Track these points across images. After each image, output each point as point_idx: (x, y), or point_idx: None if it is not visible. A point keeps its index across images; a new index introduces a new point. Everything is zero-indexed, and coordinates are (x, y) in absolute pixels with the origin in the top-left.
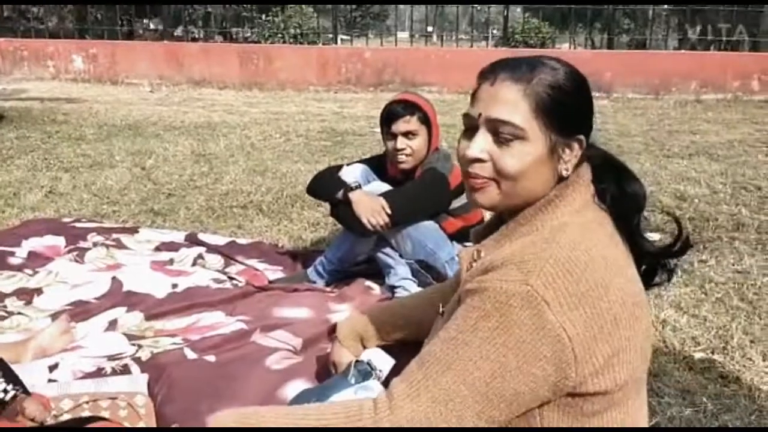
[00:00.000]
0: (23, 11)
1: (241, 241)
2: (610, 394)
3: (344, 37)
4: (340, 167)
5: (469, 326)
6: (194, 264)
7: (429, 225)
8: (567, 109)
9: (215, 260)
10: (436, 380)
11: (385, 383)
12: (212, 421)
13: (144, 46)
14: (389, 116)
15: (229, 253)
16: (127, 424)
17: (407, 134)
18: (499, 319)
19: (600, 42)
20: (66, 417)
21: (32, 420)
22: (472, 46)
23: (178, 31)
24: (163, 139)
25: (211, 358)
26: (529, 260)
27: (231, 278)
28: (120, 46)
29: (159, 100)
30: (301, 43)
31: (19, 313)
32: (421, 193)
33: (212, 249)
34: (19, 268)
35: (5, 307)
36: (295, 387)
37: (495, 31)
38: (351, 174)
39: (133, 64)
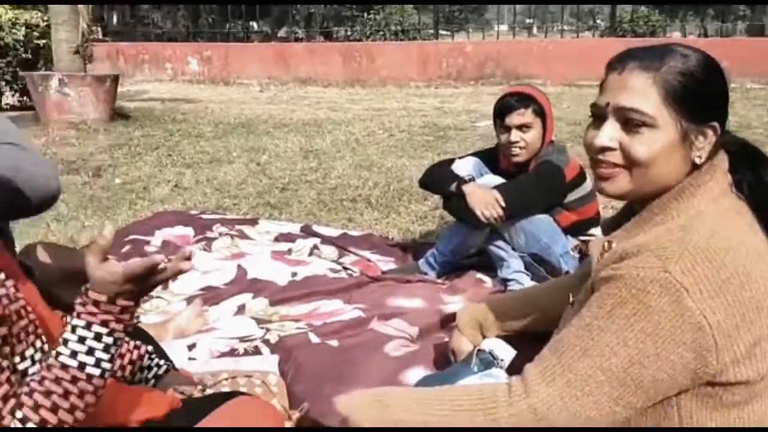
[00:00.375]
0: (141, 17)
1: (353, 233)
2: (751, 385)
3: (443, 32)
4: (452, 161)
5: (605, 313)
6: (311, 254)
7: (543, 218)
8: (699, 96)
9: (330, 251)
10: (571, 366)
11: (508, 373)
12: (348, 401)
13: (254, 47)
14: (503, 109)
15: (342, 244)
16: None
17: (521, 127)
18: (636, 306)
19: (714, 30)
20: (209, 392)
21: (181, 393)
22: (578, 36)
23: (282, 32)
24: (273, 136)
25: (334, 343)
26: (667, 247)
27: (346, 268)
28: (232, 48)
29: (268, 99)
30: (401, 40)
31: (158, 297)
32: (535, 185)
33: (326, 240)
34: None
35: None
36: (414, 373)
37: (600, 21)
38: (464, 167)
39: (244, 65)
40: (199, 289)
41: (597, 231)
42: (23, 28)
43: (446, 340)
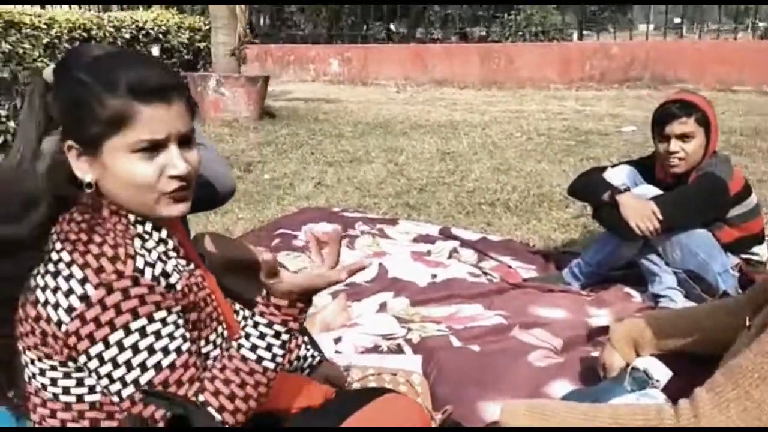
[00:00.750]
0: (285, 20)
1: (492, 237)
2: None
3: (586, 32)
4: (604, 168)
5: None
6: (450, 257)
7: (702, 233)
8: None
9: (469, 255)
10: (747, 392)
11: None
12: (506, 409)
13: (392, 49)
14: (663, 117)
15: (482, 248)
16: None
17: (682, 137)
18: None
19: None
20: (356, 386)
21: (333, 384)
22: (736, 39)
23: (418, 33)
24: (410, 137)
25: (475, 347)
26: None
27: (485, 273)
28: (372, 49)
29: (405, 100)
30: (541, 41)
31: None
32: (696, 198)
33: (466, 244)
34: (301, 250)
35: None
36: (559, 386)
37: (760, 22)
38: (617, 176)
39: (382, 66)
40: (342, 284)
41: (761, 249)
42: (187, 32)
43: (592, 354)
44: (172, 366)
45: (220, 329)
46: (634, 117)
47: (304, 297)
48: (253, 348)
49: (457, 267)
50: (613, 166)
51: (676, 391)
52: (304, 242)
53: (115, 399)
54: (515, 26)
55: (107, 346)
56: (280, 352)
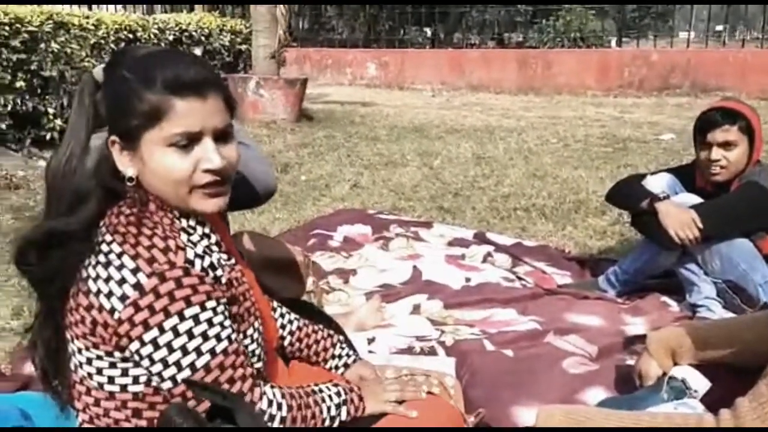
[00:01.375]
0: (323, 23)
1: (527, 243)
2: None
3: (624, 39)
4: (643, 176)
5: None
6: (484, 261)
7: (743, 243)
8: None
9: (504, 259)
10: None
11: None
12: (543, 413)
13: (429, 53)
14: (705, 124)
15: (516, 253)
16: None
17: (724, 144)
18: None
19: None
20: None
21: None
22: None
23: (455, 38)
24: (446, 141)
25: (509, 352)
26: None
27: (520, 278)
28: (409, 54)
29: (441, 104)
30: (579, 47)
31: (339, 290)
32: (739, 208)
33: (500, 248)
34: (336, 250)
35: (328, 282)
36: (594, 393)
37: None
38: (657, 183)
39: (418, 70)
40: (377, 285)
41: None
42: (228, 34)
43: (628, 362)
44: (225, 352)
45: (257, 324)
46: (673, 125)
47: None
48: (326, 399)
49: (491, 271)
50: (653, 173)
51: (713, 402)
52: (339, 243)
53: (168, 385)
54: (553, 32)
55: (162, 331)
56: (344, 417)
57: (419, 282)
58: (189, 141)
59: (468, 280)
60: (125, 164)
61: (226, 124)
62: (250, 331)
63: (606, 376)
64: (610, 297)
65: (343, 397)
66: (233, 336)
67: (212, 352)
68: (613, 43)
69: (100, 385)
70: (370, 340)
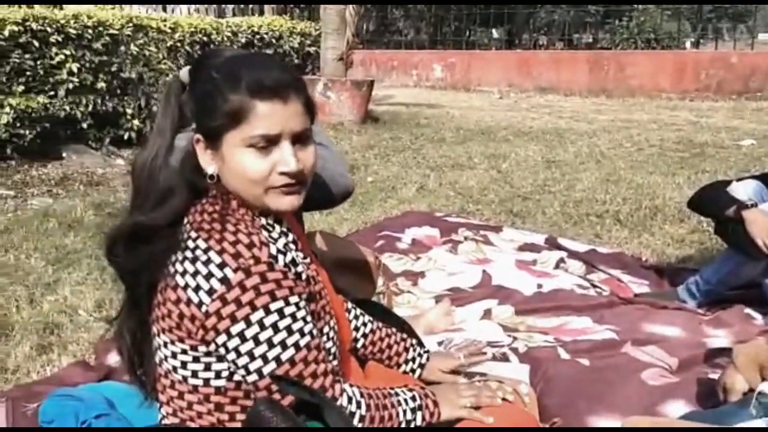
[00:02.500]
0: (388, 25)
1: (602, 250)
2: None
3: (701, 41)
4: (728, 182)
5: None
6: (557, 267)
7: None
8: None
9: (577, 266)
10: None
11: None
12: (626, 423)
13: (496, 55)
14: None
15: (590, 260)
16: None
17: None
18: None
19: None
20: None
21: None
22: None
23: (522, 39)
24: (513, 144)
25: (585, 361)
26: None
27: (594, 286)
28: (475, 55)
29: (507, 106)
30: (653, 48)
31: (408, 292)
32: None
33: (573, 255)
34: (405, 252)
35: (397, 284)
36: (675, 406)
37: None
38: (744, 190)
39: (485, 72)
40: (446, 289)
41: None
42: (298, 37)
43: (710, 375)
44: (308, 346)
45: (332, 323)
46: (753, 130)
47: None
48: (402, 402)
49: (564, 278)
50: (738, 179)
51: None
52: (408, 245)
53: (254, 377)
54: (626, 33)
55: (249, 324)
56: (419, 422)
57: (489, 286)
58: (268, 143)
59: (540, 286)
60: (207, 162)
61: (304, 128)
62: (326, 330)
63: (687, 389)
64: (691, 308)
65: (419, 402)
66: (315, 331)
67: (296, 346)
68: (688, 44)
69: (184, 379)
70: (440, 344)
